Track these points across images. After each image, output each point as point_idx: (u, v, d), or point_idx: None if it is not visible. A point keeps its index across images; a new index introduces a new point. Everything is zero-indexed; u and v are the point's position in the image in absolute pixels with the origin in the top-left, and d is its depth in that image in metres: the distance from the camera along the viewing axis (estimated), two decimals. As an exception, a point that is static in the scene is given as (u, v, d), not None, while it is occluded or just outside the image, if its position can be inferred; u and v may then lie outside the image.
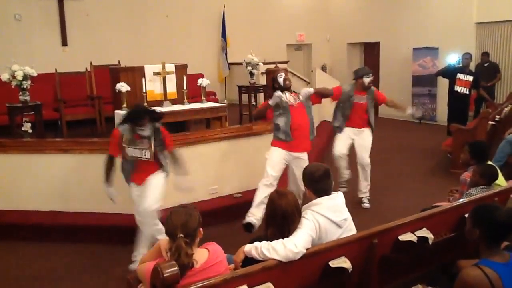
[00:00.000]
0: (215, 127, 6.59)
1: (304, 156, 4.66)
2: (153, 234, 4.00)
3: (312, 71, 10.72)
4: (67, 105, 7.44)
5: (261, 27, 11.61)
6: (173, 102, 6.52)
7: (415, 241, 2.77)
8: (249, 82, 7.86)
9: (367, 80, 5.26)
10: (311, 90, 4.68)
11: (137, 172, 4.01)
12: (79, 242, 4.70)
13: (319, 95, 4.95)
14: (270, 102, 4.54)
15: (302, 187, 3.04)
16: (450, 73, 8.17)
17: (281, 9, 12.18)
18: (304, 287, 2.47)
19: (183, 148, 5.26)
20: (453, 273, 2.74)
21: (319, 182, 2.80)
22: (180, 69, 6.71)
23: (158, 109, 6.00)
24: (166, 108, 6.29)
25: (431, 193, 5.69)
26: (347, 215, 2.81)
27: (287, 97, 4.55)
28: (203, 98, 6.87)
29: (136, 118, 3.89)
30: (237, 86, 8.30)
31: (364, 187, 5.59)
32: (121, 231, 4.61)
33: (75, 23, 9.03)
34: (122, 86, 6.03)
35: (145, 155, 3.90)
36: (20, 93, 5.85)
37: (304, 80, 9.90)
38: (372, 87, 5.41)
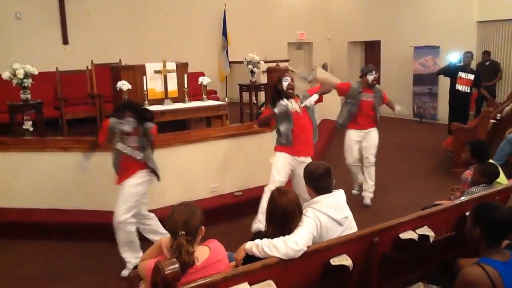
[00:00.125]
0: (216, 125, 6.59)
1: (309, 160, 4.56)
2: (126, 240, 4.00)
3: (313, 70, 10.70)
4: (67, 104, 7.43)
5: (262, 25, 11.60)
6: (174, 100, 6.52)
7: (416, 239, 2.77)
8: (250, 80, 7.86)
9: (370, 77, 5.35)
10: (314, 98, 4.49)
11: (121, 169, 3.99)
12: (79, 240, 4.71)
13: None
14: (276, 110, 4.39)
15: (306, 196, 3.00)
16: (451, 71, 8.17)
17: (282, 8, 12.17)
18: (305, 285, 2.47)
19: (184, 146, 5.29)
20: (453, 271, 2.73)
21: (320, 180, 2.80)
22: (181, 68, 6.71)
23: (155, 108, 6.06)
24: (167, 106, 6.29)
25: (432, 192, 5.69)
26: (348, 213, 2.81)
27: (293, 105, 4.43)
28: (204, 96, 6.87)
29: (116, 111, 3.89)
30: (238, 84, 8.30)
31: (370, 187, 5.64)
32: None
33: (76, 22, 9.02)
34: (123, 85, 6.03)
35: (134, 154, 3.89)
36: (21, 91, 5.85)
37: (306, 79, 9.88)
38: (378, 87, 5.51)
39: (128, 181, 3.94)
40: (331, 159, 6.89)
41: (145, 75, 6.28)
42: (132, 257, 3.99)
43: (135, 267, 3.61)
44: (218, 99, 8.61)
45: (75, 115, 7.44)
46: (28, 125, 5.90)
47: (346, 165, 5.75)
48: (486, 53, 9.21)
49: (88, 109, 7.61)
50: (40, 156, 5.13)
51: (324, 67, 12.58)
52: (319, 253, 2.49)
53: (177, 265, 2.02)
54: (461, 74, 7.87)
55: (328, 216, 2.67)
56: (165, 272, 1.98)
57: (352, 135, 5.56)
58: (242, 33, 11.12)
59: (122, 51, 8.89)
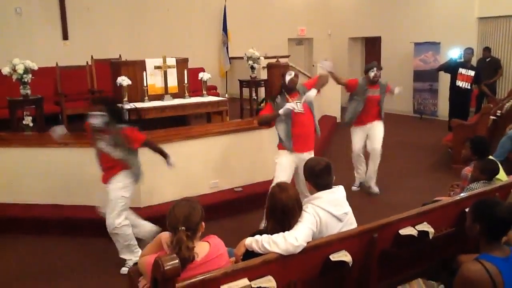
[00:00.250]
0: (216, 121, 6.59)
1: (311, 155, 4.53)
2: (126, 246, 4.00)
3: (313, 66, 10.69)
4: (68, 99, 7.42)
5: (262, 21, 11.57)
6: (174, 96, 6.51)
7: (416, 235, 2.77)
8: (250, 76, 7.84)
9: (371, 74, 5.50)
10: (313, 93, 4.46)
11: (103, 168, 3.97)
12: (80, 235, 4.72)
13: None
14: (281, 111, 4.36)
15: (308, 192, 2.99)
16: (451, 68, 8.16)
17: (282, 4, 12.13)
18: (305, 281, 2.47)
19: (184, 142, 5.28)
20: (453, 268, 2.74)
21: (320, 176, 2.80)
22: (181, 63, 6.70)
23: (155, 104, 6.05)
24: (167, 102, 6.28)
25: (432, 188, 5.70)
26: (348, 209, 2.81)
27: (299, 107, 4.40)
28: (204, 92, 6.86)
29: (92, 105, 3.87)
30: (238, 80, 8.29)
31: (372, 172, 5.79)
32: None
33: (76, 17, 9.00)
34: (123, 80, 6.02)
35: (112, 153, 3.84)
36: (21, 87, 5.84)
37: (306, 75, 9.87)
38: (382, 81, 5.64)
39: (111, 185, 3.89)
40: (331, 155, 6.90)
41: (145, 70, 6.27)
42: (131, 256, 4.00)
43: (135, 263, 3.62)
44: (218, 95, 8.60)
45: (75, 110, 7.42)
46: (28, 120, 5.90)
47: (351, 155, 5.90)
48: (487, 50, 9.19)
49: (88, 104, 7.60)
50: (40, 151, 5.13)
51: (325, 63, 12.54)
52: (319, 249, 2.49)
53: (177, 261, 2.02)
54: (462, 71, 7.86)
55: (328, 212, 2.67)
56: (165, 268, 1.98)
57: (358, 131, 5.74)
58: (242, 28, 11.10)
59: (122, 47, 8.88)
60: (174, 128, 5.57)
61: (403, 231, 2.76)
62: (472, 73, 7.81)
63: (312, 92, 4.45)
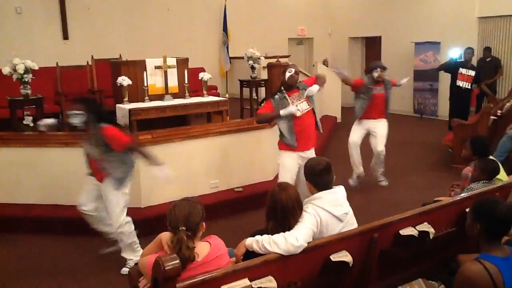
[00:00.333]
0: (216, 121, 6.58)
1: (313, 153, 4.53)
2: (130, 244, 3.99)
3: (313, 65, 10.69)
4: (68, 99, 7.41)
5: (263, 21, 11.58)
6: (175, 96, 6.52)
7: (416, 236, 2.77)
8: (251, 76, 7.85)
9: (375, 74, 5.65)
10: (316, 88, 4.46)
11: (93, 168, 3.92)
12: (80, 235, 4.70)
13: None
14: (281, 112, 4.29)
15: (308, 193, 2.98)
16: (452, 67, 8.16)
17: (282, 3, 12.14)
18: (305, 281, 2.47)
19: (184, 141, 5.29)
20: (453, 267, 2.74)
21: (320, 176, 2.80)
22: (182, 63, 6.70)
23: (155, 104, 6.05)
24: (168, 102, 6.29)
25: (432, 188, 5.71)
26: (348, 209, 2.81)
27: (303, 108, 4.36)
28: (205, 92, 6.86)
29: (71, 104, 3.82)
30: (239, 80, 8.29)
31: (379, 167, 5.99)
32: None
33: (76, 17, 9.01)
34: (124, 80, 6.02)
35: (96, 155, 3.77)
36: (21, 86, 5.84)
37: (306, 74, 9.87)
38: (387, 78, 5.77)
39: (106, 187, 3.84)
40: (331, 155, 6.90)
41: (146, 70, 6.27)
42: (133, 255, 4.00)
43: (136, 263, 3.62)
44: (218, 95, 8.60)
45: (75, 110, 7.42)
46: (28, 120, 5.89)
47: (348, 144, 5.96)
48: (487, 49, 9.19)
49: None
50: (41, 151, 5.13)
51: (325, 63, 12.55)
52: (319, 249, 2.49)
53: (177, 261, 2.02)
54: (462, 70, 7.86)
55: (328, 212, 2.67)
56: (166, 268, 1.98)
57: (363, 122, 5.86)
58: (242, 28, 11.10)
59: (123, 46, 8.89)
60: (174, 128, 5.57)
61: (404, 232, 2.76)
62: (472, 73, 7.81)
63: (315, 88, 4.45)
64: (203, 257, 2.26)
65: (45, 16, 8.74)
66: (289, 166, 4.44)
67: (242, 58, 8.02)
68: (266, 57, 8.48)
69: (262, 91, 8.32)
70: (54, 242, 4.61)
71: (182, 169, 5.25)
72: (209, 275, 2.14)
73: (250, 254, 2.46)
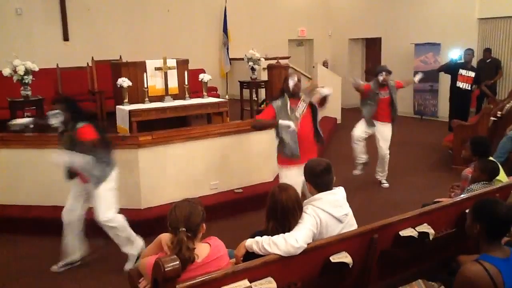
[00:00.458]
0: (217, 122, 6.59)
1: None
2: (127, 238, 3.97)
3: (313, 67, 10.69)
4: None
5: (263, 22, 11.58)
6: (175, 97, 6.53)
7: (416, 237, 2.77)
8: (251, 77, 7.85)
9: (380, 78, 5.81)
10: (327, 92, 4.40)
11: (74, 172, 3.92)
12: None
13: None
14: (280, 122, 4.17)
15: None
16: (452, 69, 8.17)
17: (282, 4, 12.14)
18: (305, 282, 2.47)
19: (184, 143, 5.29)
20: (453, 268, 2.74)
21: (320, 176, 2.80)
22: (182, 64, 6.71)
23: (155, 105, 6.05)
24: (168, 103, 6.29)
25: (432, 188, 5.71)
26: (348, 210, 2.81)
27: (304, 111, 4.30)
28: (205, 93, 6.87)
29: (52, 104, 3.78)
30: (239, 81, 8.29)
31: (382, 171, 6.20)
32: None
33: (76, 18, 9.02)
34: (124, 81, 6.03)
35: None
36: (22, 87, 5.86)
37: (306, 76, 9.88)
38: (391, 82, 5.90)
39: (91, 186, 3.85)
40: (332, 156, 6.89)
41: (146, 71, 6.28)
42: (133, 248, 3.99)
43: (137, 258, 3.63)
44: (218, 96, 8.62)
45: (75, 111, 7.42)
46: (28, 121, 5.90)
47: (351, 137, 6.07)
48: (487, 51, 9.20)
49: (89, 105, 7.61)
50: (41, 152, 5.12)
51: (325, 64, 12.57)
52: (319, 250, 2.49)
53: (177, 262, 2.02)
54: (462, 71, 7.87)
55: (328, 214, 2.67)
56: (166, 269, 1.98)
57: (363, 124, 6.00)
58: (242, 29, 11.11)
59: (123, 48, 8.89)
60: (174, 129, 5.57)
61: (403, 233, 2.76)
62: (472, 74, 7.82)
63: (328, 91, 4.39)
64: (203, 258, 2.26)
65: (45, 17, 8.75)
66: (294, 183, 4.28)
67: (242, 59, 8.03)
68: (266, 58, 8.48)
69: (262, 92, 8.32)
70: (54, 243, 4.59)
71: (182, 170, 5.26)
72: (209, 276, 2.14)
73: (250, 255, 2.46)
